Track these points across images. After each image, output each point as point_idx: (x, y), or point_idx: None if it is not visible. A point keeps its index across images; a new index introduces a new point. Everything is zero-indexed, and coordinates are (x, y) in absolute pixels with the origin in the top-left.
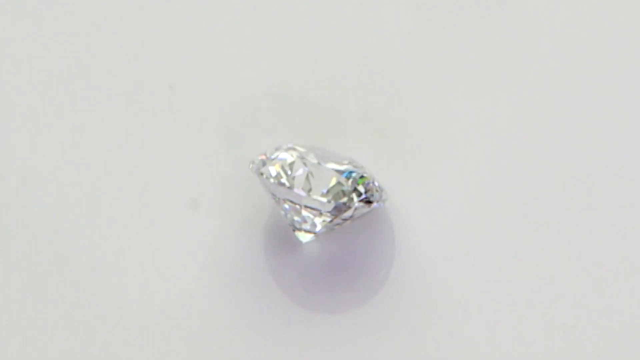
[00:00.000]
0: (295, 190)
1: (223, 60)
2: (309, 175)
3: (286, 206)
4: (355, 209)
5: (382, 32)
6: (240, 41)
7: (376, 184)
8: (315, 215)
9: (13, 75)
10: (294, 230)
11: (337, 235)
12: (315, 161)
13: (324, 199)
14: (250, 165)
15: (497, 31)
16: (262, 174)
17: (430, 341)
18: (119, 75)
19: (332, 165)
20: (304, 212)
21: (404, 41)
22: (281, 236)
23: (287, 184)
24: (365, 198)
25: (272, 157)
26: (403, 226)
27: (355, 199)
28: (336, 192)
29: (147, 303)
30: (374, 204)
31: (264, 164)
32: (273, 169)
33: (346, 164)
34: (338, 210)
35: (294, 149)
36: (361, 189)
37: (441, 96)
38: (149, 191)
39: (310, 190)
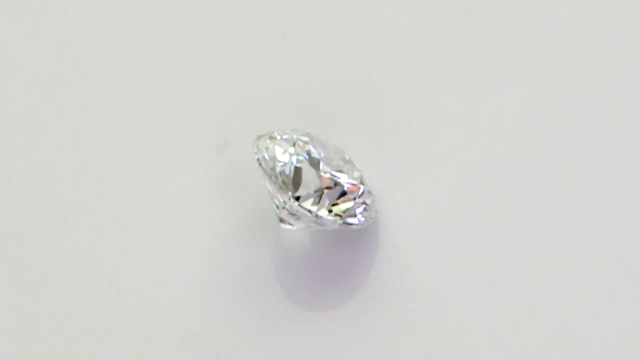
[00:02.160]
0: (281, 186)
1: (222, 61)
2: (300, 173)
3: (270, 189)
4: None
5: (382, 33)
6: (240, 40)
7: (360, 215)
8: (293, 213)
9: (15, 65)
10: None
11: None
12: (315, 163)
13: (298, 206)
14: (256, 142)
15: (494, 32)
16: (257, 154)
17: (415, 337)
18: (117, 76)
19: (337, 177)
20: (283, 204)
21: (402, 41)
22: (278, 237)
23: (273, 176)
24: (344, 221)
25: (278, 139)
26: (392, 228)
27: (335, 217)
28: (317, 203)
29: (145, 305)
30: (353, 223)
31: (265, 143)
32: (270, 152)
33: (352, 178)
34: (313, 218)
35: (308, 148)
36: (345, 210)
37: (436, 97)
38: (149, 192)
39: (293, 188)
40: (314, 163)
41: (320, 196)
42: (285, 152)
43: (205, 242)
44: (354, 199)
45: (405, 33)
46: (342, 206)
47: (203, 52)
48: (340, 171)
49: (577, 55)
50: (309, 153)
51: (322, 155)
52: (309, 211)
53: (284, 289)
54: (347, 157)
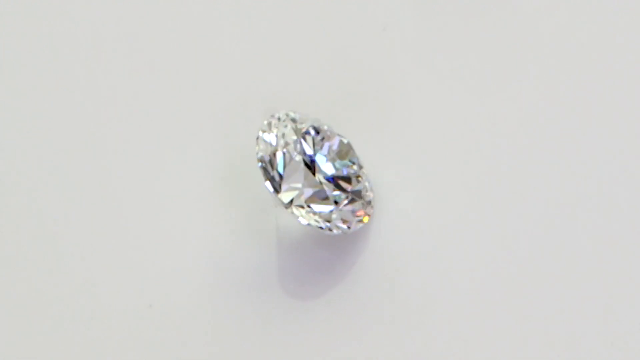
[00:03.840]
0: (264, 167)
1: (222, 62)
2: (295, 166)
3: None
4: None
5: (384, 27)
6: (239, 42)
7: (339, 223)
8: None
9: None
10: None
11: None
12: (312, 161)
13: (271, 191)
14: (264, 121)
15: (493, 23)
16: (257, 139)
17: (416, 334)
18: (118, 78)
19: (328, 181)
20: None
21: (405, 38)
22: (275, 235)
23: (264, 164)
24: (319, 225)
25: (291, 124)
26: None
27: (310, 216)
28: (294, 197)
29: (145, 303)
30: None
31: (268, 129)
32: (268, 138)
33: (345, 187)
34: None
35: (318, 143)
36: (321, 214)
37: (433, 94)
38: (151, 192)
39: (280, 179)
40: (312, 160)
41: (302, 192)
42: (290, 138)
43: (204, 241)
44: (332, 206)
45: (407, 28)
46: (320, 209)
47: (201, 57)
48: (342, 178)
49: (569, 52)
50: (314, 147)
51: (329, 154)
52: (282, 202)
53: (282, 287)
54: (360, 165)
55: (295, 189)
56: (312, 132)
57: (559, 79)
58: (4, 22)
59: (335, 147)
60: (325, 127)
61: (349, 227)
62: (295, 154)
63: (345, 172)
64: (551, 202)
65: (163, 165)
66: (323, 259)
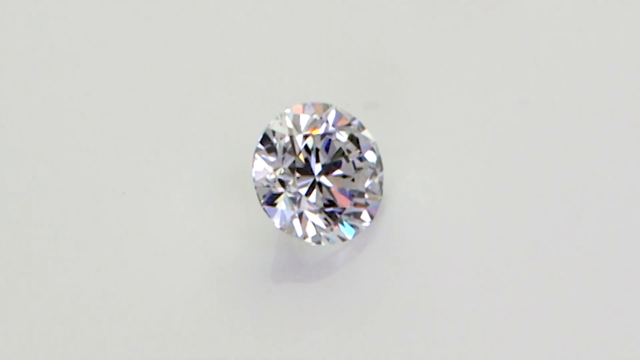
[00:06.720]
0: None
1: (224, 61)
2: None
3: None
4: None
5: (382, 25)
6: (240, 41)
7: (296, 224)
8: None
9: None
10: None
11: None
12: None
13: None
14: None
15: (494, 27)
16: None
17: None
18: (118, 78)
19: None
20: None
21: (414, 33)
22: (277, 237)
23: (267, 136)
24: (313, 238)
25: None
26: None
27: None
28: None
29: (147, 308)
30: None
31: (277, 121)
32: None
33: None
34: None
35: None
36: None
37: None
38: (150, 192)
39: (274, 157)
40: (313, 161)
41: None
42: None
43: (203, 241)
44: (298, 203)
45: (413, 27)
46: (281, 198)
47: (202, 56)
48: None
49: (570, 50)
50: (331, 150)
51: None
52: (253, 175)
53: (282, 287)
54: (375, 180)
55: (277, 173)
56: (340, 135)
57: (564, 79)
58: (5, 22)
59: (354, 157)
60: (362, 137)
61: (283, 229)
62: (301, 146)
63: (346, 191)
64: (554, 205)
65: (163, 164)
66: (323, 259)
